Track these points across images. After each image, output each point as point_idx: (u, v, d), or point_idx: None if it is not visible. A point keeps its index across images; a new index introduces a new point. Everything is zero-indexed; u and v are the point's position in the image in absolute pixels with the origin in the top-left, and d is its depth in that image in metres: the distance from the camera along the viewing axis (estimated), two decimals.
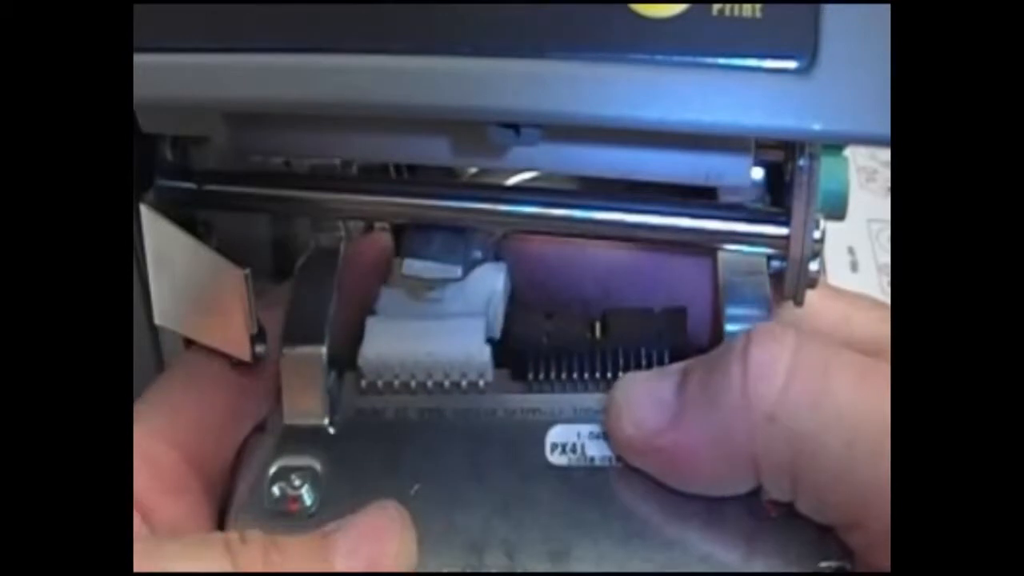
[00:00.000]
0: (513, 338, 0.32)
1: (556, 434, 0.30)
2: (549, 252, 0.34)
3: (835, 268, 0.63)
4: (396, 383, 0.32)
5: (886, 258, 0.64)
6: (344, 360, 0.32)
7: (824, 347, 0.27)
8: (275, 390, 0.32)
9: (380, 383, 0.32)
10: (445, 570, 0.28)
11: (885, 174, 0.69)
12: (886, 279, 0.63)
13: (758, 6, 0.23)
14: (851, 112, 0.23)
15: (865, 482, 0.25)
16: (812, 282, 0.30)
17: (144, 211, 0.29)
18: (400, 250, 0.32)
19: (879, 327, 0.30)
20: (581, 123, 0.25)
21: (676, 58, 0.24)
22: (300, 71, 0.25)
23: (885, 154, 0.67)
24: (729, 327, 0.31)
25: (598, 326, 0.32)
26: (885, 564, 0.25)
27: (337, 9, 0.24)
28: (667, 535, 0.28)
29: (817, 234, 0.29)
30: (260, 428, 0.32)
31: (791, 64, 0.23)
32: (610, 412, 0.29)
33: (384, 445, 0.31)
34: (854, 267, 0.64)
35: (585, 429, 0.30)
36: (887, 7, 0.23)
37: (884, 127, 0.23)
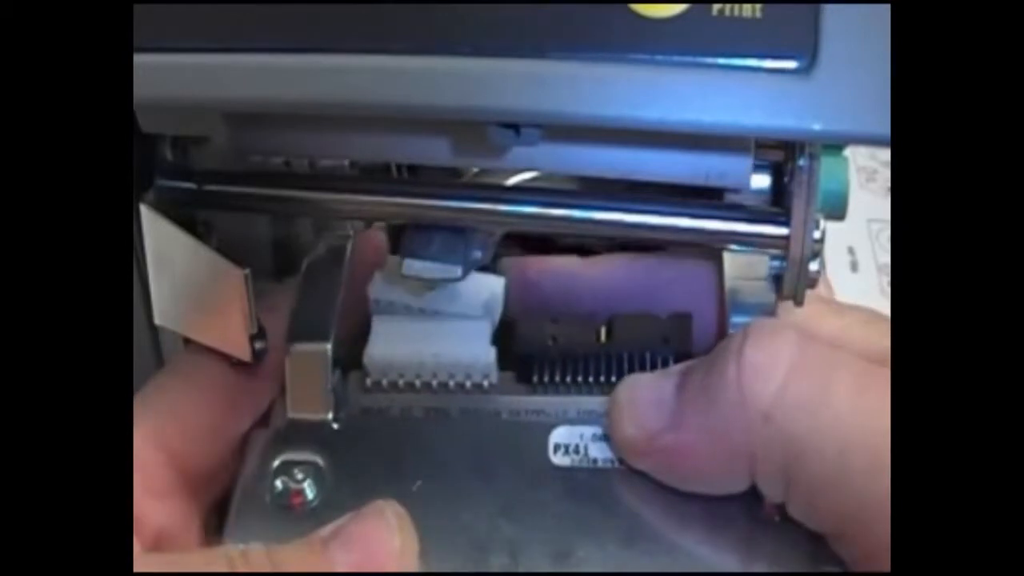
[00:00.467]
0: (519, 341, 0.32)
1: (559, 435, 0.30)
2: (547, 274, 0.34)
3: (835, 268, 0.63)
4: (401, 383, 0.32)
5: (886, 258, 0.64)
6: (349, 359, 0.32)
7: (826, 349, 0.27)
8: (274, 389, 0.32)
9: (385, 382, 0.32)
10: (448, 568, 0.28)
11: (885, 174, 0.69)
12: (886, 279, 0.63)
13: (758, 6, 0.23)
14: (851, 112, 0.23)
15: (857, 494, 0.25)
16: (812, 282, 0.30)
17: (144, 211, 0.29)
18: (398, 249, 0.32)
19: (877, 340, 0.30)
20: (581, 123, 0.25)
21: (676, 58, 0.24)
22: (300, 71, 0.25)
23: (885, 154, 0.67)
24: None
25: (603, 331, 0.32)
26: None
27: (337, 9, 0.24)
28: (669, 537, 0.28)
29: (817, 234, 0.29)
30: (263, 423, 0.32)
31: (791, 64, 0.23)
32: (612, 413, 0.30)
33: (388, 443, 0.31)
34: (854, 267, 0.64)
35: (588, 431, 0.30)
36: (887, 7, 0.23)
37: (884, 127, 0.23)
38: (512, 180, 0.35)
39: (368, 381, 0.32)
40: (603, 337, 0.32)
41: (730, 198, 0.32)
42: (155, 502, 0.29)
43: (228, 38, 0.25)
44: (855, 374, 0.26)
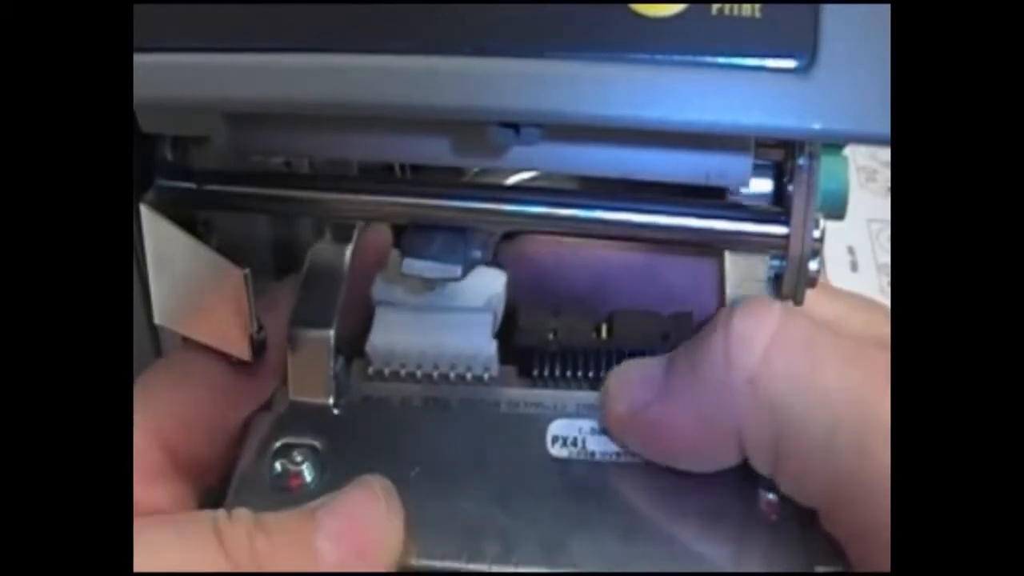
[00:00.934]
0: (520, 334, 0.32)
1: (557, 427, 0.31)
2: (545, 254, 0.34)
3: (835, 268, 0.63)
4: (402, 372, 0.32)
5: (886, 258, 0.64)
6: (353, 349, 0.33)
7: (811, 324, 0.27)
8: (272, 384, 0.32)
9: (387, 371, 0.32)
10: (441, 554, 0.28)
11: (885, 174, 0.69)
12: (886, 279, 0.63)
13: (758, 6, 0.23)
14: (851, 112, 0.23)
15: (846, 468, 0.25)
16: (812, 281, 0.30)
17: (144, 211, 0.29)
18: (400, 247, 0.32)
19: (874, 329, 0.30)
20: (581, 123, 0.25)
21: (676, 58, 0.24)
22: (300, 71, 0.25)
23: (885, 154, 0.67)
24: None
25: (604, 327, 0.32)
26: (869, 556, 0.25)
27: (337, 9, 0.24)
28: (665, 531, 0.28)
29: (817, 234, 0.29)
30: (264, 407, 0.32)
31: (791, 64, 0.23)
32: (603, 394, 0.30)
33: (387, 429, 0.31)
34: (854, 267, 0.64)
35: (587, 424, 0.30)
36: (887, 7, 0.23)
37: (884, 127, 0.23)
38: (512, 180, 0.35)
39: (370, 370, 0.32)
40: (604, 333, 0.32)
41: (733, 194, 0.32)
42: (150, 488, 0.29)
43: (228, 38, 0.25)
44: (841, 349, 0.26)
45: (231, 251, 0.30)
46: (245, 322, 0.31)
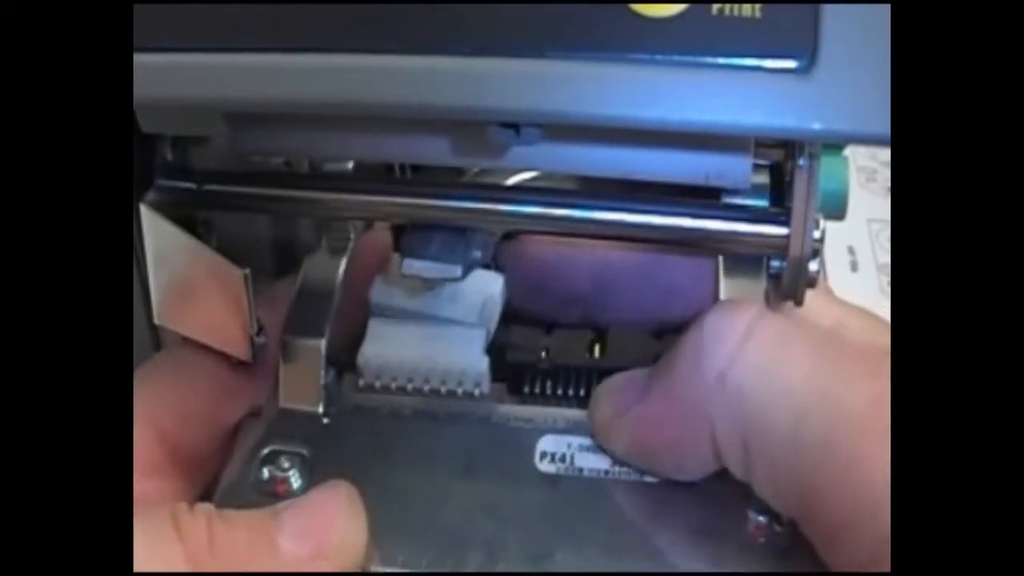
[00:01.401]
0: (512, 351, 0.32)
1: (547, 443, 0.30)
2: (544, 252, 0.34)
3: (835, 268, 0.63)
4: (393, 385, 0.32)
5: (886, 258, 0.64)
6: (345, 359, 0.32)
7: (785, 320, 0.27)
8: (269, 381, 0.32)
9: (378, 383, 0.32)
10: (426, 562, 0.28)
11: (885, 174, 0.69)
12: (886, 279, 0.63)
13: (758, 6, 0.23)
14: (851, 112, 0.23)
15: (811, 470, 0.25)
16: (812, 282, 0.30)
17: (144, 211, 0.29)
18: (399, 248, 0.32)
19: (873, 337, 0.30)
20: (581, 123, 0.25)
21: (676, 58, 0.24)
22: (300, 71, 0.25)
23: (885, 154, 0.67)
24: None
25: (597, 346, 0.32)
26: (840, 561, 0.25)
27: (337, 9, 0.24)
28: (650, 548, 0.28)
29: (817, 234, 0.29)
30: (255, 413, 0.32)
31: (791, 64, 0.23)
32: (592, 401, 0.30)
33: (376, 439, 0.31)
34: (854, 267, 0.64)
35: (576, 440, 0.30)
36: (887, 7, 0.23)
37: (884, 127, 0.23)
38: (512, 180, 0.35)
39: (361, 382, 0.32)
40: (596, 352, 0.32)
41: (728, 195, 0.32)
42: (144, 480, 0.29)
43: (228, 38, 0.25)
44: (811, 345, 0.26)
45: (231, 251, 0.30)
46: (245, 322, 0.31)
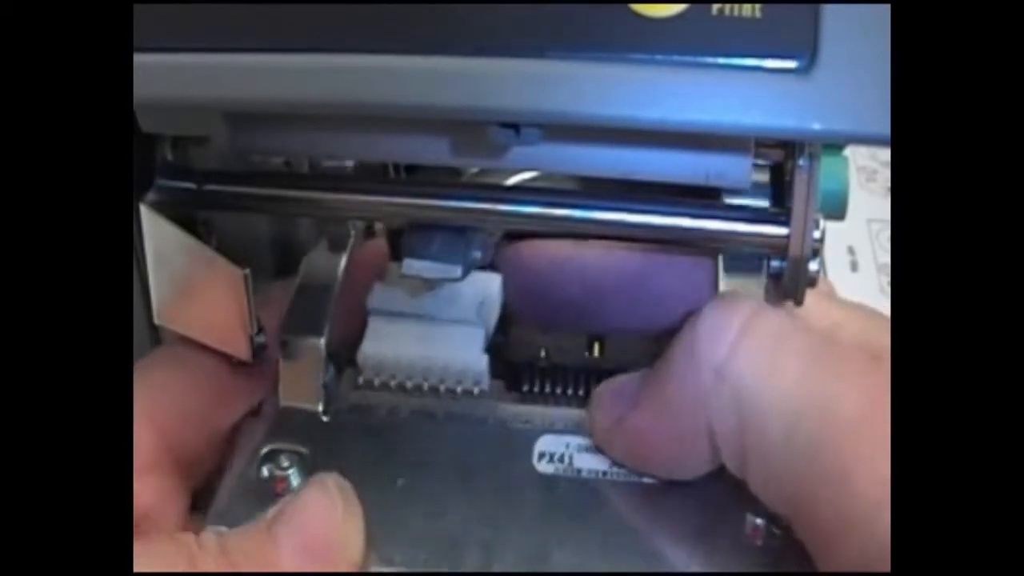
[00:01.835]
0: (510, 350, 0.32)
1: (544, 443, 0.30)
2: (542, 258, 0.34)
3: (835, 268, 0.63)
4: (392, 383, 0.32)
5: (886, 258, 0.64)
6: (344, 357, 0.33)
7: (781, 318, 0.27)
8: (268, 380, 0.32)
9: (377, 381, 0.32)
10: (423, 563, 0.28)
11: (885, 174, 0.69)
12: (886, 279, 0.63)
13: (758, 6, 0.23)
14: (851, 112, 0.23)
15: (804, 466, 0.25)
16: (812, 282, 0.30)
17: (144, 211, 0.29)
18: (398, 252, 0.32)
19: (872, 336, 0.30)
20: (581, 123, 0.25)
21: (676, 58, 0.24)
22: (300, 71, 0.25)
23: (885, 154, 0.67)
24: None
25: (596, 346, 0.32)
26: (832, 565, 0.25)
27: (337, 9, 0.24)
28: (648, 549, 0.28)
29: (817, 234, 0.29)
30: (254, 413, 0.32)
31: (791, 64, 0.23)
32: (590, 406, 0.30)
33: (374, 438, 0.31)
34: (854, 267, 0.64)
35: (574, 440, 0.30)
36: (887, 7, 0.23)
37: (884, 127, 0.23)
38: (512, 180, 0.35)
39: (360, 380, 0.32)
40: (595, 351, 0.32)
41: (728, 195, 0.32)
42: (142, 478, 0.29)
43: (228, 38, 0.25)
44: (807, 348, 0.26)
45: (231, 251, 0.30)
46: (245, 322, 0.31)
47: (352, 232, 0.34)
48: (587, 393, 0.32)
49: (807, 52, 0.23)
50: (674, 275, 0.32)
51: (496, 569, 0.28)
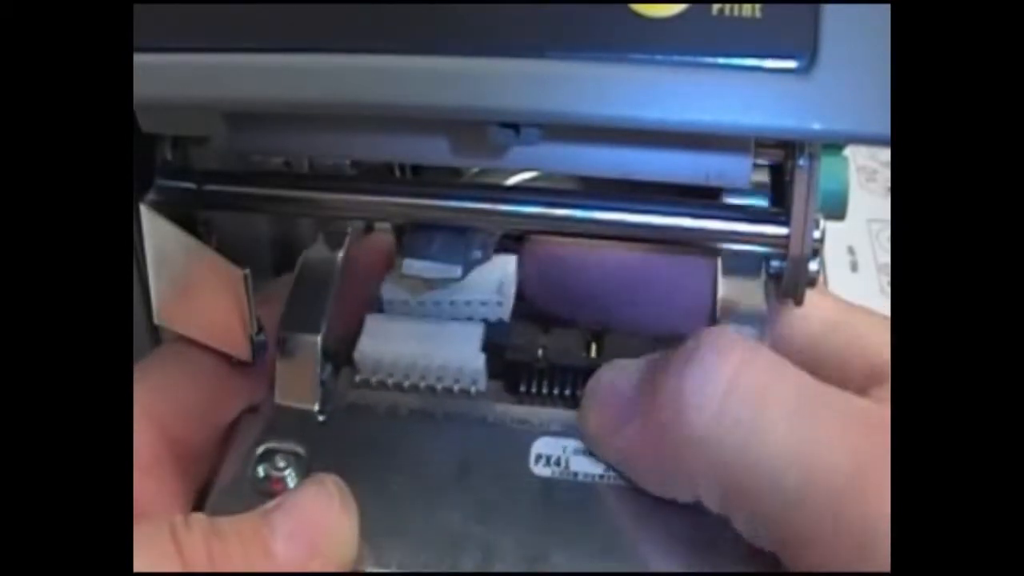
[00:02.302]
0: (509, 349, 0.32)
1: (541, 446, 0.30)
2: (565, 252, 0.34)
3: (835, 268, 0.63)
4: (390, 381, 0.32)
5: (886, 258, 0.64)
6: (342, 355, 0.33)
7: (770, 367, 0.27)
8: (267, 378, 0.32)
9: (374, 380, 0.32)
10: (420, 564, 0.28)
11: (885, 174, 0.69)
12: (886, 279, 0.63)
13: (758, 6, 0.23)
14: (851, 112, 0.23)
15: (792, 517, 0.25)
16: (812, 281, 0.30)
17: (144, 211, 0.29)
18: (401, 250, 0.32)
19: (875, 341, 0.30)
20: (581, 123, 0.25)
21: (676, 58, 0.24)
22: (300, 71, 0.25)
23: (885, 154, 0.67)
24: None
25: (594, 345, 0.32)
26: None
27: (337, 9, 0.24)
28: (642, 554, 0.28)
29: (817, 234, 0.29)
30: (252, 410, 0.32)
31: (791, 64, 0.23)
32: (581, 406, 0.30)
33: (371, 439, 0.31)
34: (854, 267, 0.64)
35: (571, 444, 0.30)
36: (887, 7, 0.23)
37: (884, 127, 0.23)
38: (512, 180, 0.35)
39: (357, 378, 0.32)
40: (594, 351, 0.32)
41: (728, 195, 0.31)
42: (141, 476, 0.29)
43: (228, 38, 0.25)
44: (792, 398, 0.26)
45: (231, 251, 0.30)
46: (245, 322, 0.31)
47: (349, 229, 0.34)
48: None
49: (807, 52, 0.23)
50: (695, 267, 0.32)
51: (494, 570, 0.28)
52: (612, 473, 0.30)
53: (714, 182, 0.29)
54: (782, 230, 0.29)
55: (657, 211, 0.30)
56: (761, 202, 0.31)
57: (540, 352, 0.32)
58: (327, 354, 0.32)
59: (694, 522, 0.28)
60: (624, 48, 0.24)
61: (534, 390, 0.32)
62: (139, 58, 0.25)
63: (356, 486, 0.28)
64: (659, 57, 0.24)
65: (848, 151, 0.34)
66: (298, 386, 0.32)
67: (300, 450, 0.31)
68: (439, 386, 0.32)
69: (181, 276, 0.30)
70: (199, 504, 0.31)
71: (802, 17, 0.23)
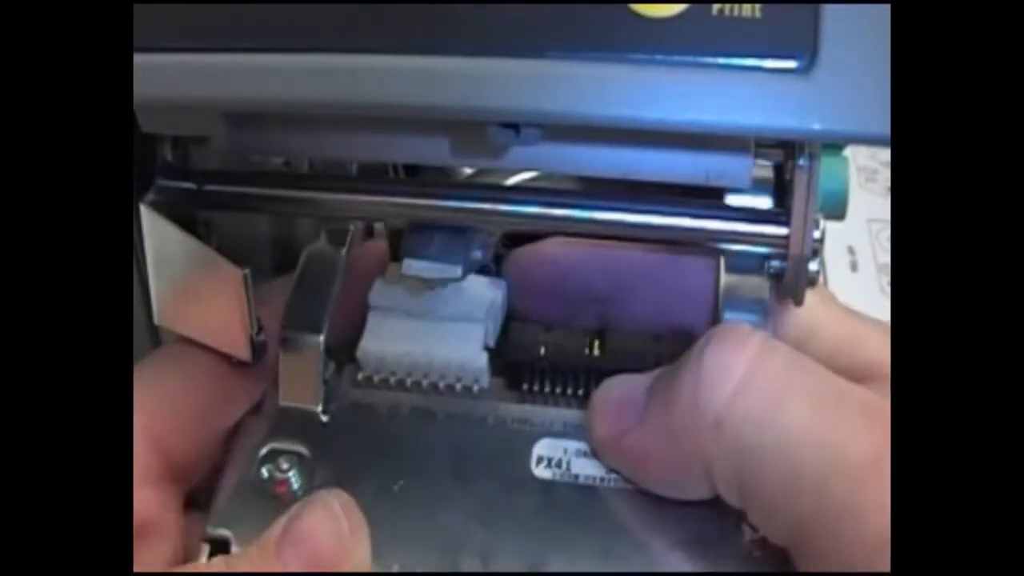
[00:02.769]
0: (511, 348, 0.32)
1: (543, 447, 0.30)
2: (561, 253, 0.34)
3: (835, 268, 0.63)
4: (392, 380, 0.32)
5: (886, 258, 0.64)
6: (344, 353, 0.33)
7: (788, 361, 0.27)
8: (267, 379, 0.32)
9: (376, 378, 0.32)
10: (420, 566, 0.28)
11: (885, 174, 0.69)
12: (886, 279, 0.63)
13: (758, 6, 0.23)
14: (851, 112, 0.23)
15: (807, 512, 0.25)
16: (812, 281, 0.30)
17: (144, 211, 0.29)
18: (398, 252, 0.32)
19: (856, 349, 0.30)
20: (581, 123, 0.25)
21: (676, 58, 0.24)
22: (300, 71, 0.25)
23: (885, 154, 0.67)
24: None
25: (596, 344, 0.32)
26: None
27: (337, 9, 0.24)
28: (644, 557, 0.28)
29: (817, 234, 0.29)
30: (255, 411, 0.32)
31: (791, 64, 0.23)
32: (589, 411, 0.30)
33: (374, 439, 0.31)
34: (854, 267, 0.64)
35: (573, 445, 0.30)
36: (887, 7, 0.23)
37: (884, 127, 0.23)
38: (512, 180, 0.35)
39: (360, 376, 0.32)
40: (596, 350, 0.32)
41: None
42: (139, 490, 0.29)
43: (228, 38, 0.25)
44: (812, 393, 0.26)
45: (231, 251, 0.30)
46: (245, 322, 0.31)
47: (351, 227, 0.34)
48: (587, 392, 0.32)
49: (807, 52, 0.23)
50: (695, 268, 0.32)
51: (493, 572, 0.28)
52: (613, 476, 0.30)
53: (714, 182, 0.29)
54: (782, 230, 0.29)
55: (657, 211, 0.30)
56: (765, 198, 0.31)
57: (542, 351, 0.32)
58: (329, 352, 0.32)
59: (695, 526, 0.28)
60: (624, 48, 0.24)
61: (536, 388, 0.32)
62: (139, 58, 0.25)
63: (358, 486, 0.28)
64: (659, 57, 0.24)
65: (848, 151, 0.34)
66: (301, 384, 0.32)
67: (303, 450, 0.31)
68: (441, 384, 0.32)
69: (181, 276, 0.30)
70: (202, 504, 0.31)
71: (802, 17, 0.23)
